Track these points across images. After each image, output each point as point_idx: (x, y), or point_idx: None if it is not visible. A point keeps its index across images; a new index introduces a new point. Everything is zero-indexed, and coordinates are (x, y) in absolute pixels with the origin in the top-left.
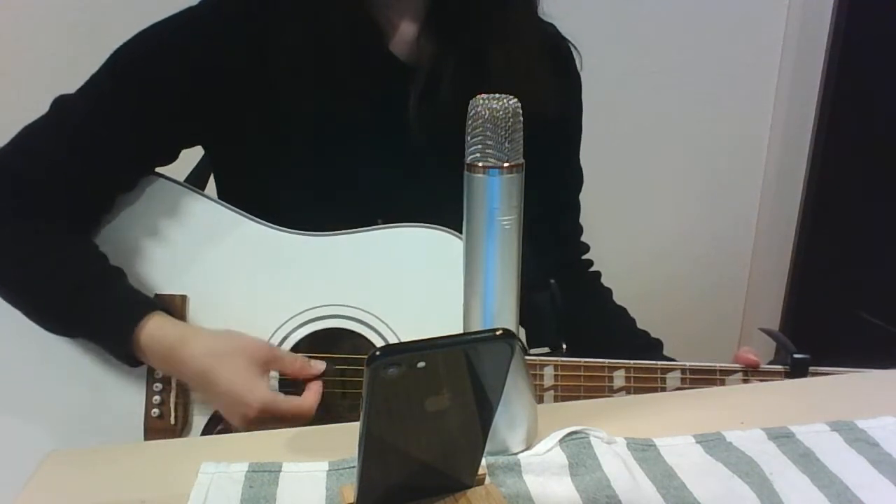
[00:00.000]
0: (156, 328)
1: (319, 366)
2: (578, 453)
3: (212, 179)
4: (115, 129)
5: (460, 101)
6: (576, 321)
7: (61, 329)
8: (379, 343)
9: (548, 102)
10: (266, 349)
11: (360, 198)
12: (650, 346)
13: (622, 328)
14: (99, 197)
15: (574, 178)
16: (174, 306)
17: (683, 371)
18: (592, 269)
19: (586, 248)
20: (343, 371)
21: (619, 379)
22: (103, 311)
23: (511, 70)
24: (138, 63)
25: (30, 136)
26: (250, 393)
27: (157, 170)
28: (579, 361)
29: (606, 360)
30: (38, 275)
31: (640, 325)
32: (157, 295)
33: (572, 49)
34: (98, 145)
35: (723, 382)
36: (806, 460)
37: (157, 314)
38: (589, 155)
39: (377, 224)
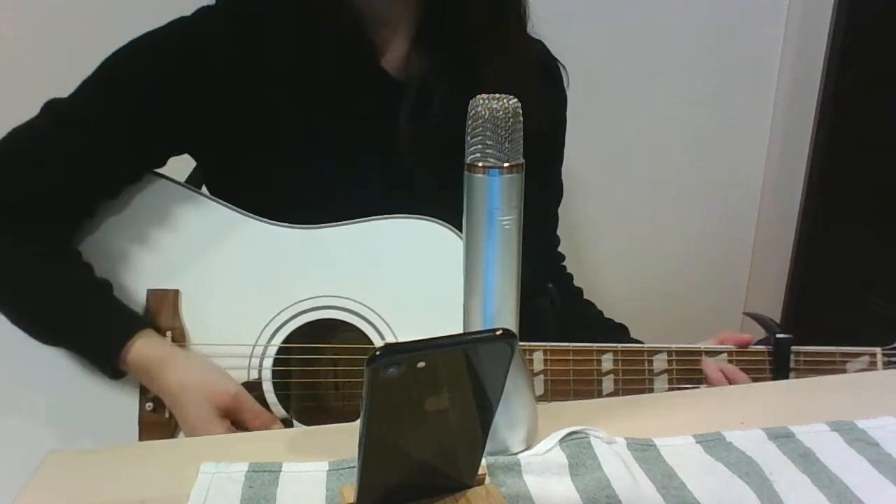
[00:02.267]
0: (142, 346)
1: (278, 424)
2: (578, 453)
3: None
4: (104, 136)
5: (451, 116)
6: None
7: (49, 339)
8: (372, 334)
9: (537, 118)
10: (230, 399)
11: (352, 212)
12: (617, 328)
13: (594, 318)
14: (84, 203)
15: (555, 192)
16: (167, 301)
17: (669, 353)
18: (566, 273)
19: (562, 258)
20: (338, 362)
21: (607, 362)
22: (95, 324)
23: (502, 86)
24: (129, 70)
25: (18, 139)
26: (205, 432)
27: None
28: (568, 346)
29: (595, 345)
30: (27, 286)
31: (639, 324)
32: (149, 290)
33: (560, 67)
34: (87, 151)
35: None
36: (806, 460)
37: (145, 333)
38: (590, 154)
39: None
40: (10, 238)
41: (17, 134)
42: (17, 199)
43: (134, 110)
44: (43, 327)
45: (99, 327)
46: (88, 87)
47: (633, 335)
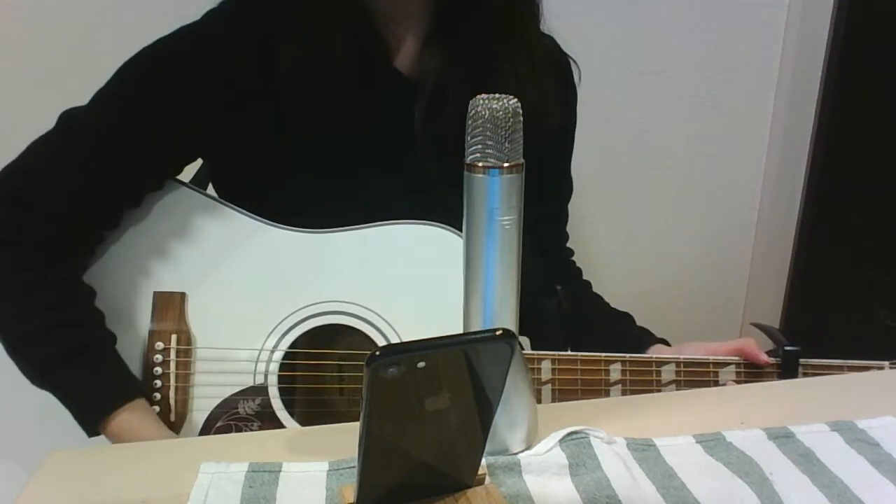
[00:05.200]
0: (126, 420)
1: None
2: (578, 453)
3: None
4: (121, 146)
5: (465, 114)
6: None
7: (37, 381)
8: (378, 339)
9: (551, 111)
10: None
11: (363, 210)
12: (622, 317)
13: (600, 308)
14: (106, 215)
15: (565, 188)
16: (173, 303)
17: (678, 364)
18: (576, 267)
19: (571, 253)
20: (344, 367)
21: (615, 372)
22: (85, 384)
23: (516, 83)
24: (144, 77)
25: (38, 153)
26: None
27: None
28: (576, 355)
29: (603, 354)
30: (30, 336)
31: (639, 324)
32: (156, 293)
33: (571, 63)
34: (108, 163)
35: (716, 375)
36: (806, 460)
37: (130, 407)
38: (590, 155)
39: (374, 221)
40: (22, 278)
41: (35, 148)
42: (39, 215)
43: (152, 119)
44: (38, 377)
45: (89, 390)
46: (104, 98)
47: None
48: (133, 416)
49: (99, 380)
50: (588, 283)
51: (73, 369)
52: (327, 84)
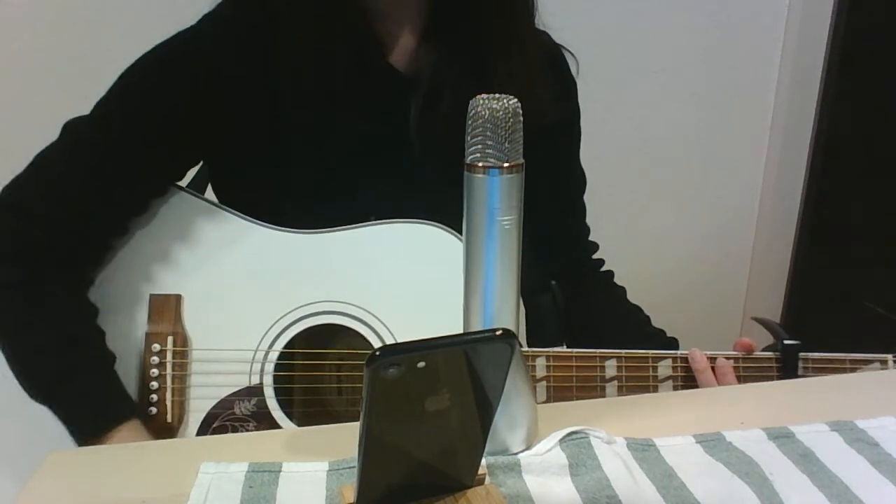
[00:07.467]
0: (124, 438)
1: None
2: (578, 453)
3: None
4: (127, 155)
5: (461, 111)
6: (589, 320)
7: (34, 395)
8: (373, 339)
9: (549, 109)
10: None
11: (360, 208)
12: (664, 345)
13: (635, 326)
14: (114, 223)
15: (577, 180)
16: (168, 306)
17: (675, 360)
18: (604, 268)
19: (595, 248)
20: (339, 367)
21: (610, 368)
22: (83, 403)
23: (512, 79)
24: (145, 85)
25: (44, 166)
26: None
27: None
28: (571, 352)
29: (598, 350)
30: (34, 344)
31: None
32: (151, 295)
33: (567, 54)
34: (112, 173)
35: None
36: (806, 460)
37: (129, 424)
38: (590, 154)
39: (370, 220)
40: (29, 291)
41: (43, 160)
42: (49, 227)
43: (155, 127)
44: (34, 392)
45: (88, 408)
46: (107, 108)
47: None
48: (127, 437)
49: (94, 401)
50: (610, 273)
51: (69, 389)
52: (325, 83)
